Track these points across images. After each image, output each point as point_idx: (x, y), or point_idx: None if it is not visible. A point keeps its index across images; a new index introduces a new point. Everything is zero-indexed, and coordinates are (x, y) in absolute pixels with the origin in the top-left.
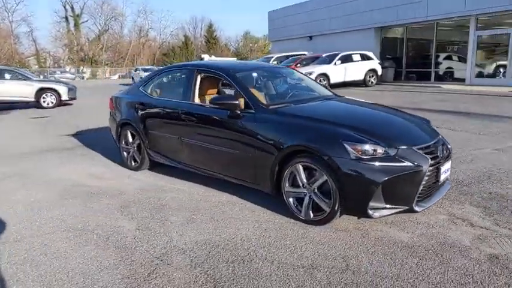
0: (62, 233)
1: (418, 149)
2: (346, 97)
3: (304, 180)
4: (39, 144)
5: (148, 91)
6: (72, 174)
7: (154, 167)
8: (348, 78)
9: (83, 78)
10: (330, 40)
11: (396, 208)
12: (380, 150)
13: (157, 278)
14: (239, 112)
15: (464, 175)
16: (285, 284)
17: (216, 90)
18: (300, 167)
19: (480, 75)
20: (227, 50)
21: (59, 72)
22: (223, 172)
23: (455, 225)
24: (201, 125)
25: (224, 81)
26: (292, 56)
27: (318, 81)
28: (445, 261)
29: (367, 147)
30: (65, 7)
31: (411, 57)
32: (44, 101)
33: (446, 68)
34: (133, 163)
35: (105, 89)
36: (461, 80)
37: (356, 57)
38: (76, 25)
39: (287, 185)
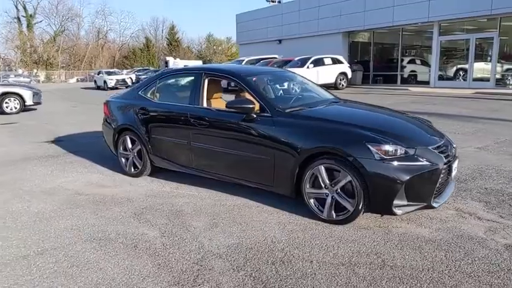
0: (85, 244)
1: (433, 148)
2: (351, 100)
3: (327, 181)
4: (19, 152)
5: (150, 95)
6: (68, 183)
7: (154, 173)
8: (320, 81)
9: (38, 81)
10: (299, 44)
11: (417, 205)
12: (401, 150)
13: (204, 284)
14: (255, 116)
15: (458, 173)
16: (333, 282)
17: (220, 94)
18: (323, 169)
19: (441, 78)
20: (190, 53)
21: (13, 76)
22: (237, 176)
23: (464, 219)
24: (214, 129)
25: (233, 86)
26: (263, 59)
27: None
28: (469, 252)
29: (390, 147)
30: (16, 7)
31: (378, 61)
32: (7, 106)
33: (410, 72)
34: (132, 169)
35: (65, 92)
36: (425, 83)
37: (327, 60)
38: (29, 26)
39: (308, 186)
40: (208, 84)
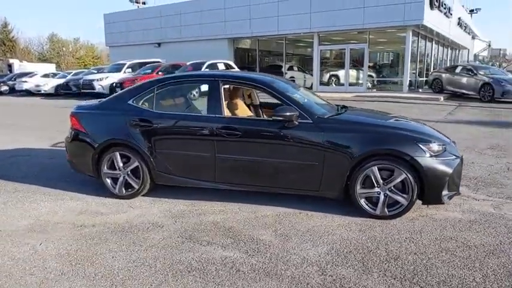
0: (178, 278)
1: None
2: (354, 107)
3: (380, 180)
4: None
5: (148, 105)
6: (49, 215)
7: (148, 192)
8: None
9: None
10: (181, 48)
11: (453, 193)
12: (439, 147)
13: None
14: (297, 123)
15: None
16: (454, 266)
17: (226, 102)
18: (376, 169)
19: (322, 83)
20: (29, 54)
21: None
22: (276, 184)
23: (468, 201)
24: (247, 138)
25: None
26: (147, 63)
27: None
28: (508, 225)
29: (435, 145)
30: None
31: (264, 67)
32: None
33: (290, 78)
34: (124, 190)
35: None
36: (309, 88)
37: (221, 66)
38: None
39: (358, 187)
40: (224, 93)
